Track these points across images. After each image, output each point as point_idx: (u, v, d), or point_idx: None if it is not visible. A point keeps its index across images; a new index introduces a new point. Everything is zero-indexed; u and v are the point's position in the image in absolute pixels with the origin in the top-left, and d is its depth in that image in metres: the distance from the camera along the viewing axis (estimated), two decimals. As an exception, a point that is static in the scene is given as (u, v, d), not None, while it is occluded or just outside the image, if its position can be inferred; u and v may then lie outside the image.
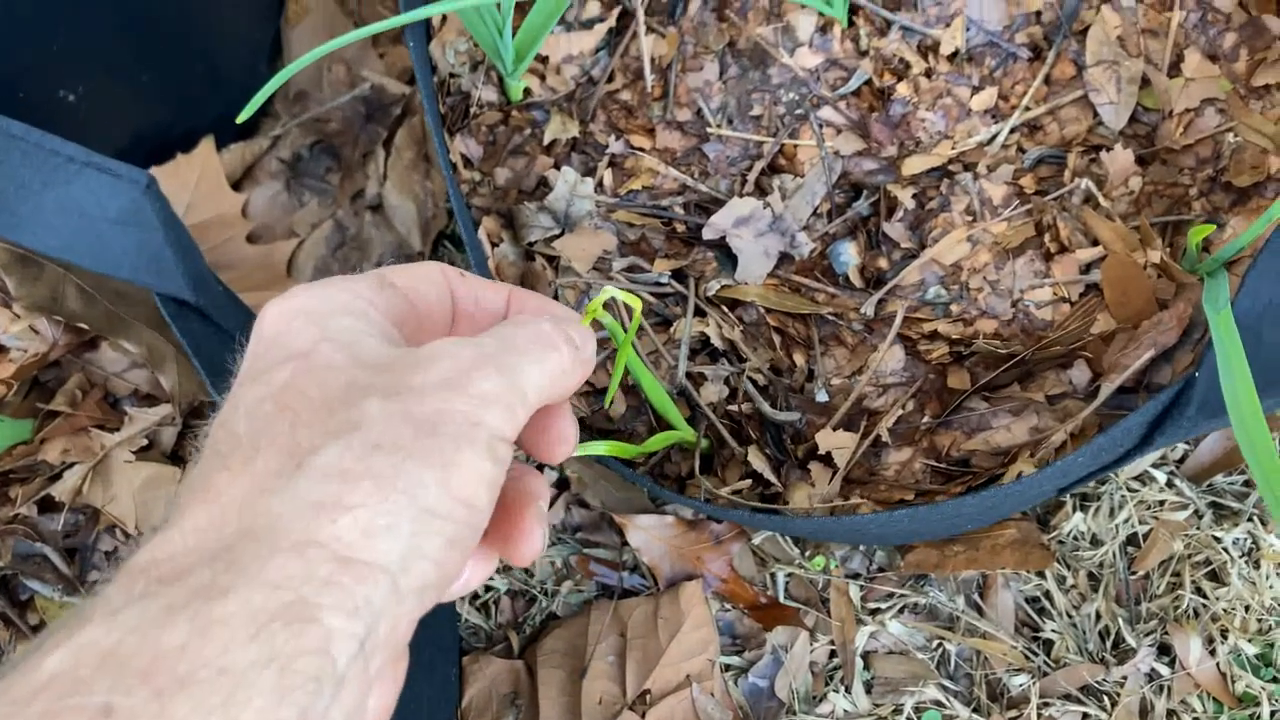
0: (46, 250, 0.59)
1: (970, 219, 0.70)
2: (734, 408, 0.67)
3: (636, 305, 0.48)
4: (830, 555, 0.89)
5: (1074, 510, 0.91)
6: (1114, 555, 0.92)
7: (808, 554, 0.89)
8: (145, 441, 0.65)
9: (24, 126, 0.60)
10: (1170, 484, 0.93)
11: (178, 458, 0.67)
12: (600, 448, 0.57)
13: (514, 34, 0.67)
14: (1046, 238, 0.68)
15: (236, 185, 1.05)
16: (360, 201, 1.05)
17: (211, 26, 1.03)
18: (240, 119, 0.57)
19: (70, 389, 0.66)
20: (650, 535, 0.89)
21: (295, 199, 1.07)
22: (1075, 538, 0.92)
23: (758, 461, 0.65)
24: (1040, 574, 0.86)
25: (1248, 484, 0.92)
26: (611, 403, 0.69)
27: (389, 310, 0.38)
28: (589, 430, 0.70)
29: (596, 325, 0.47)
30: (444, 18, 0.74)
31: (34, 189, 0.59)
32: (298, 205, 1.07)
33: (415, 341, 0.39)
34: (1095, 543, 0.92)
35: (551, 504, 0.99)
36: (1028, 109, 0.72)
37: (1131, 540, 0.93)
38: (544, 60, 0.74)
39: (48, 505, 0.64)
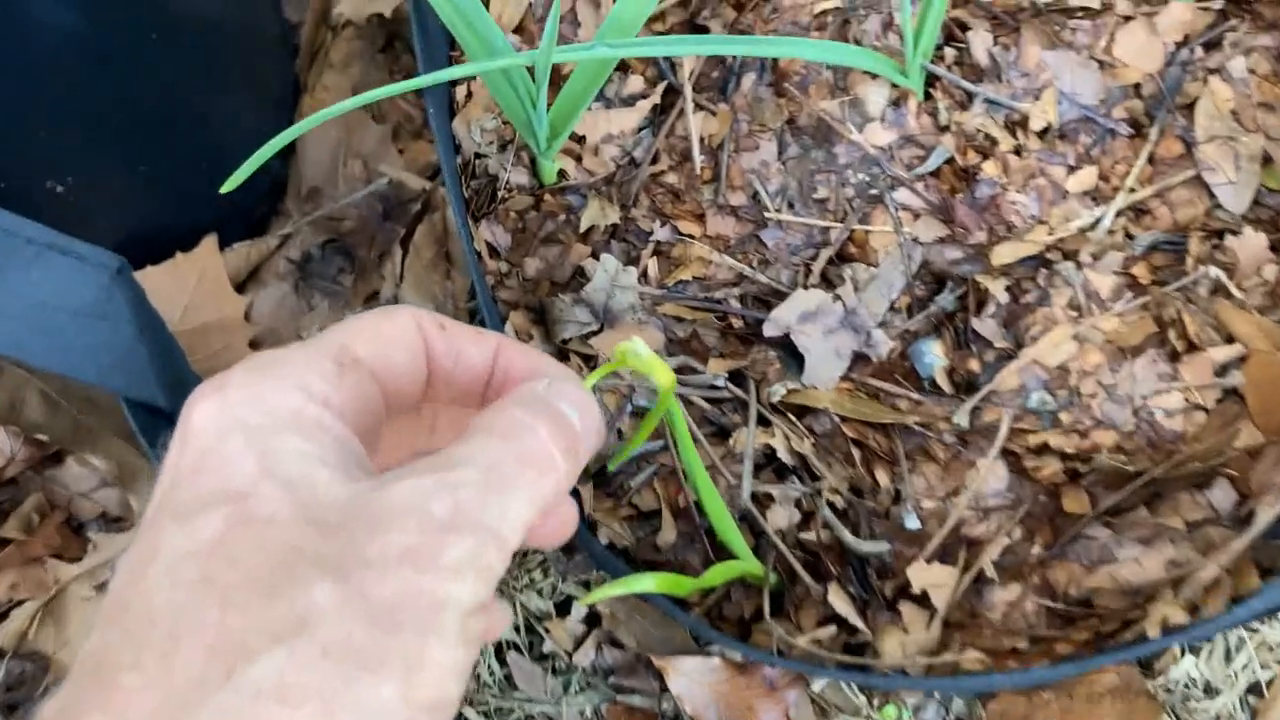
0: (-3, 347, 0.50)
1: (1075, 314, 0.60)
2: (808, 535, 0.57)
3: (667, 380, 0.38)
4: (902, 704, 0.76)
5: (1182, 653, 0.78)
6: (1234, 707, 0.78)
7: (876, 703, 0.76)
8: (110, 574, 0.55)
9: (-23, 203, 0.51)
10: (1297, 622, 0.81)
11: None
12: (647, 583, 0.47)
13: (549, 107, 0.59)
14: (1171, 334, 0.58)
15: (240, 287, 0.97)
16: (374, 304, 0.97)
17: (217, 118, 0.96)
18: (225, 189, 0.49)
19: (26, 512, 0.56)
20: (694, 680, 0.77)
21: (304, 301, 0.98)
22: (1186, 685, 0.79)
23: (840, 602, 0.54)
24: (1163, 734, 0.72)
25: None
26: (659, 530, 0.58)
27: (350, 406, 0.31)
28: (632, 561, 0.59)
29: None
30: (469, 92, 0.66)
31: (-17, 275, 0.50)
32: (306, 308, 0.98)
33: (374, 429, 0.33)
34: (1210, 691, 0.78)
35: (579, 643, 0.87)
36: (1133, 190, 0.63)
37: (1253, 689, 0.79)
38: (580, 140, 0.66)
39: (-11, 651, 0.54)
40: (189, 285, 0.93)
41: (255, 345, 0.95)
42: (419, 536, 0.28)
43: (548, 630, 0.86)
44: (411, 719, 0.26)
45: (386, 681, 0.26)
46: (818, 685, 0.75)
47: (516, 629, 0.87)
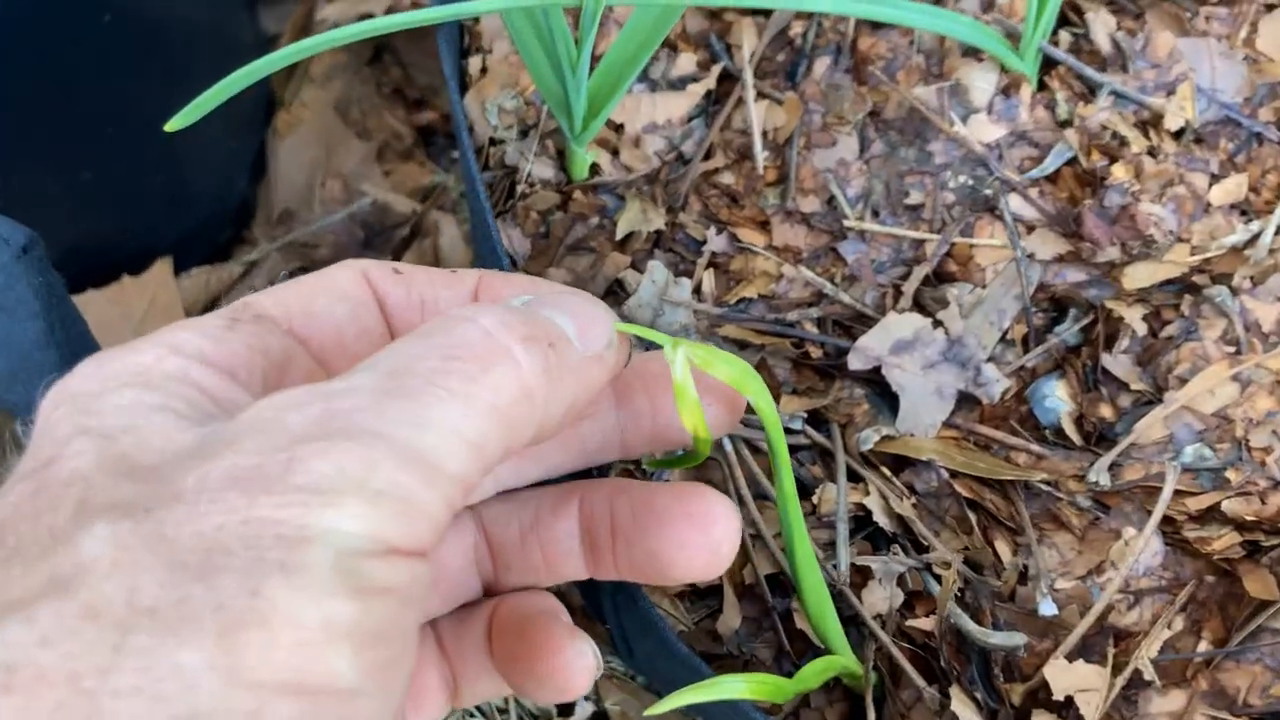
0: None
1: (1232, 350, 0.49)
2: (917, 623, 0.44)
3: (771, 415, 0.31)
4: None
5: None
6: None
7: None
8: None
9: None
10: None
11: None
12: (737, 686, 0.34)
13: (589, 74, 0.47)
14: (1367, 374, 0.46)
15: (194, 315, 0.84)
16: (351, 342, 0.83)
17: (180, 131, 0.83)
18: (171, 126, 0.36)
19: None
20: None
21: (268, 337, 0.85)
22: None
23: (965, 710, 0.41)
24: None
25: None
26: (720, 613, 0.45)
27: (240, 361, 0.26)
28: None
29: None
30: (484, 66, 0.54)
31: None
32: (271, 345, 0.84)
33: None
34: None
35: (583, 748, 0.74)
36: (1291, 203, 0.52)
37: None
38: (618, 129, 0.54)
39: None
40: (136, 313, 0.80)
41: (210, 386, 0.82)
42: (258, 454, 0.21)
43: (548, 731, 0.72)
44: (245, 701, 0.19)
45: (189, 645, 0.19)
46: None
47: (510, 728, 0.73)
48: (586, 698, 0.72)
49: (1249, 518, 0.45)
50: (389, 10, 0.89)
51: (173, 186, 0.85)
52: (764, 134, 0.54)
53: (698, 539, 0.30)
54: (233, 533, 0.20)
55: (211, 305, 0.85)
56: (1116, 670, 0.44)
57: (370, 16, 0.90)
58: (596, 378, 0.27)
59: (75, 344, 0.39)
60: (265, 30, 0.99)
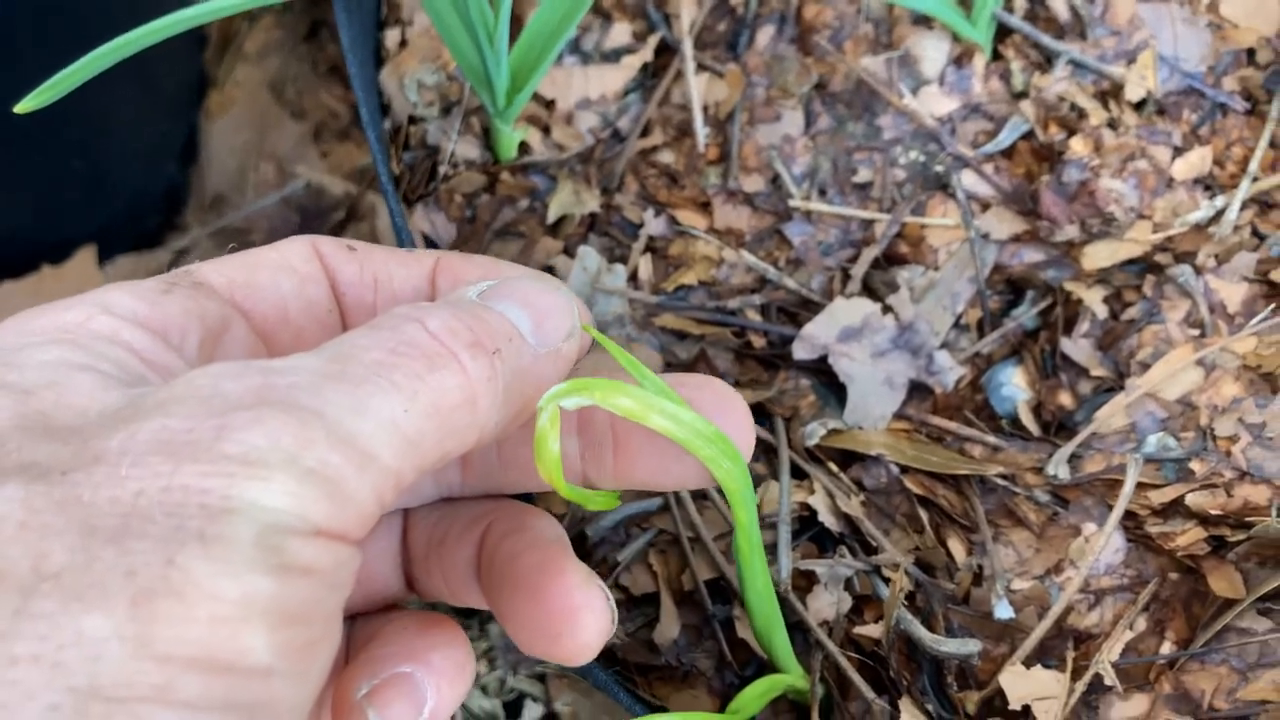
0: None
1: (1196, 333, 0.46)
2: (865, 630, 0.41)
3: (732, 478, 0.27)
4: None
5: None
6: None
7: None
8: None
9: None
10: None
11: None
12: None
13: (510, 46, 0.44)
14: (1336, 358, 0.44)
15: (121, 309, 0.80)
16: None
17: (101, 112, 0.79)
18: (20, 109, 0.33)
19: None
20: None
21: (199, 328, 0.81)
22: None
23: (916, 724, 0.38)
24: None
25: None
26: (658, 622, 0.42)
27: (174, 325, 0.25)
28: (618, 664, 0.43)
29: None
30: (403, 39, 0.50)
31: None
32: (202, 336, 0.80)
33: (230, 356, 0.27)
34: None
35: (534, 752, 0.72)
36: (1256, 179, 0.49)
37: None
38: (549, 105, 0.51)
39: None
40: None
41: (138, 380, 0.78)
42: (189, 419, 0.21)
43: (495, 736, 0.69)
44: (153, 674, 0.18)
45: (96, 611, 0.18)
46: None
47: (456, 733, 0.70)
48: (534, 698, 0.70)
49: (1214, 511, 0.42)
50: (321, -17, 0.85)
51: (94, 171, 0.81)
52: (704, 109, 0.51)
53: (566, 642, 0.27)
54: (153, 499, 0.20)
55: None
56: (1076, 675, 0.41)
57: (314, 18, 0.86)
58: (551, 374, 0.26)
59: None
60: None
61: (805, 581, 0.42)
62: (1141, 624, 0.42)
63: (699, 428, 0.27)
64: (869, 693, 0.40)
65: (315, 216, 0.82)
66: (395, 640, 0.28)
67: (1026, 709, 0.40)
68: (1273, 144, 0.50)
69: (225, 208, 0.85)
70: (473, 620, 0.70)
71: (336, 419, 0.21)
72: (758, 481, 0.44)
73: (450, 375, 0.23)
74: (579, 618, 0.27)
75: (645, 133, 0.51)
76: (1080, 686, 0.41)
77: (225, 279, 0.28)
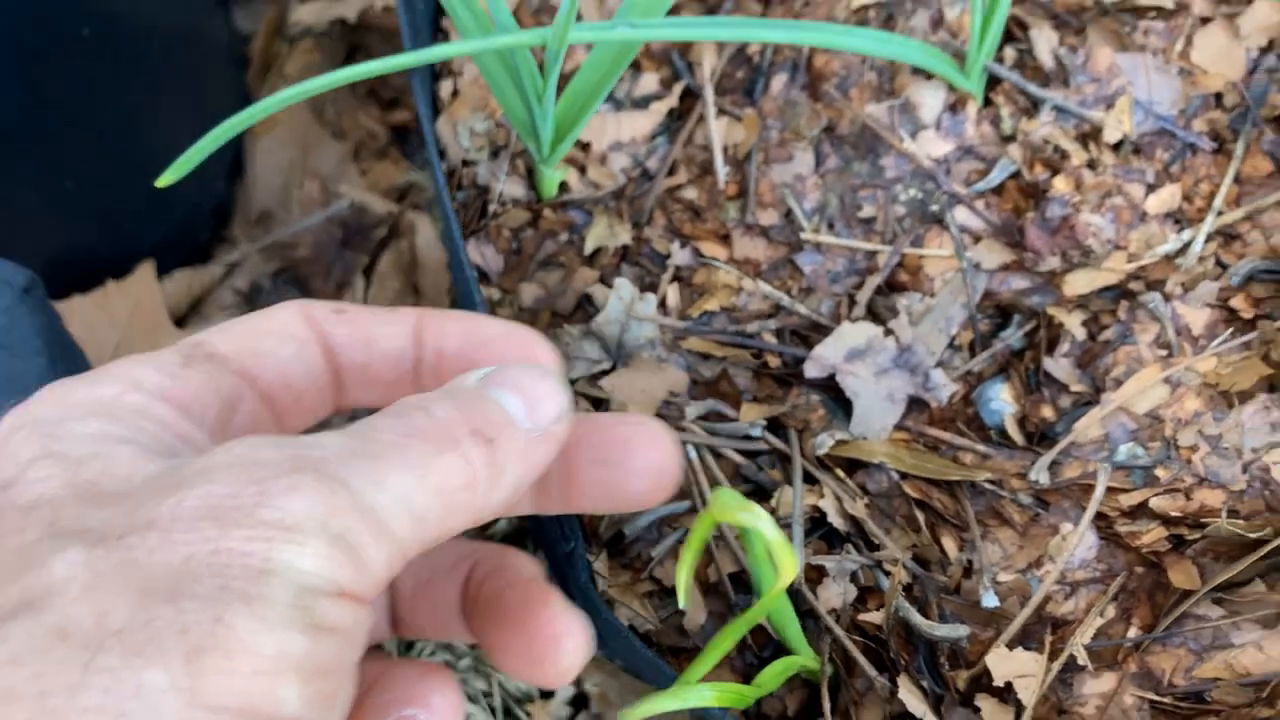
0: None
1: (1164, 353, 0.52)
2: (869, 617, 0.47)
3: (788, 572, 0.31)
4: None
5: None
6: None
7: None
8: None
9: None
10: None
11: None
12: (704, 695, 0.37)
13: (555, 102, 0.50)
14: (1285, 378, 0.50)
15: (181, 321, 0.86)
16: (331, 341, 0.86)
17: (155, 133, 0.85)
18: (162, 181, 0.39)
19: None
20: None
21: (251, 337, 0.87)
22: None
23: (913, 699, 0.44)
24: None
25: None
26: (685, 611, 0.48)
27: (197, 400, 0.28)
28: (653, 646, 0.49)
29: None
30: (455, 90, 0.56)
31: None
32: (254, 345, 0.86)
33: (247, 428, 0.29)
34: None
35: (566, 728, 0.77)
36: (1221, 213, 0.55)
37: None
38: (585, 148, 0.57)
39: None
40: (121, 318, 0.82)
41: (195, 386, 0.84)
42: (232, 486, 0.22)
43: (529, 715, 0.75)
44: None
45: (155, 666, 0.20)
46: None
47: (494, 711, 0.76)
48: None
49: (1174, 513, 0.48)
50: (361, 15, 0.90)
51: (152, 191, 0.87)
52: (724, 150, 0.57)
53: (549, 667, 0.30)
54: (202, 561, 0.22)
55: (194, 307, 0.88)
56: (1053, 656, 0.47)
57: (344, 20, 0.92)
58: (543, 455, 0.28)
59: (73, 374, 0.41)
60: (239, 29, 1.01)
61: (816, 574, 0.48)
62: (1111, 612, 0.48)
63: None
64: (871, 671, 0.46)
65: (357, 233, 0.88)
66: (399, 686, 0.30)
67: (1009, 686, 0.46)
68: (1237, 180, 0.56)
69: (272, 223, 0.91)
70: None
71: (360, 490, 0.23)
72: (774, 487, 0.50)
73: (453, 459, 0.25)
74: (562, 644, 0.29)
75: (671, 172, 0.57)
76: (1056, 666, 0.47)
77: (234, 348, 0.29)
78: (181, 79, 0.88)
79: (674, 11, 0.59)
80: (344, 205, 0.87)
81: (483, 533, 0.79)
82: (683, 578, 0.35)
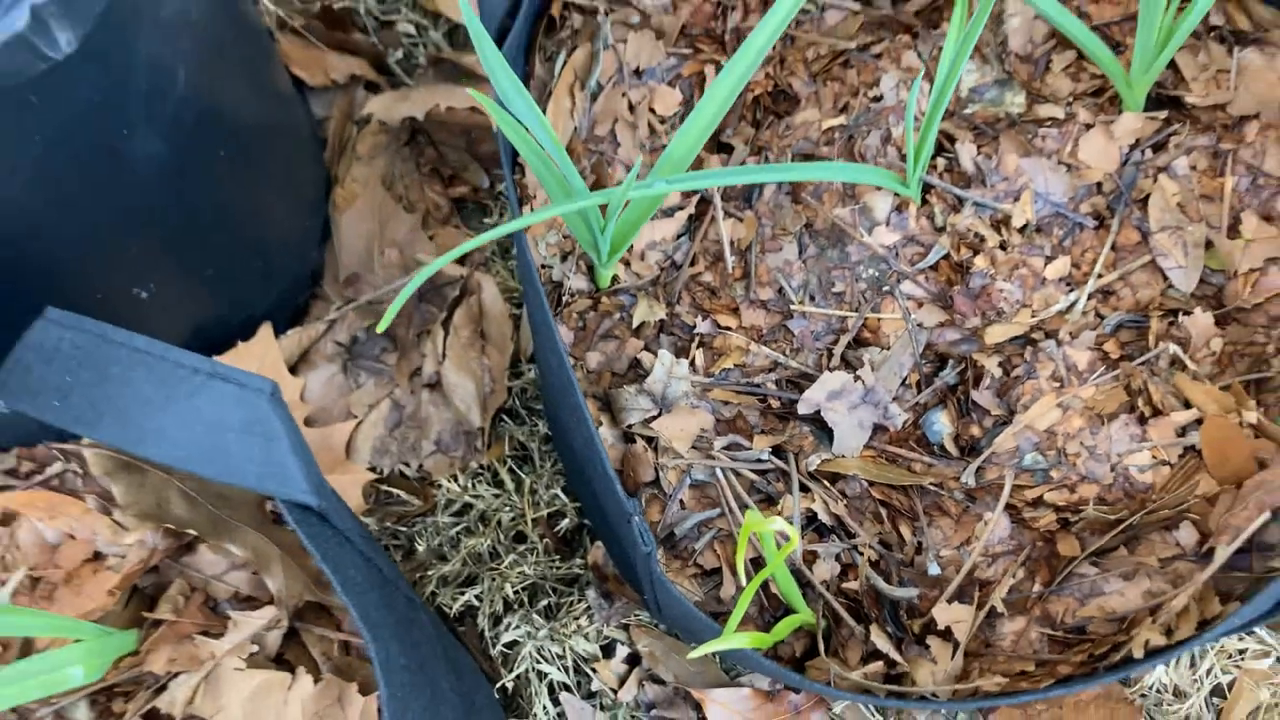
0: (170, 462, 0.59)
1: (1058, 385, 0.72)
2: (849, 585, 0.67)
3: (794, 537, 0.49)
4: (912, 719, 0.87)
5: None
6: (1200, 708, 0.90)
7: (890, 718, 0.87)
8: (255, 647, 0.64)
9: (148, 340, 0.60)
10: (1250, 631, 0.93)
11: (284, 661, 0.66)
12: (743, 639, 0.57)
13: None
14: (1139, 401, 0.69)
15: (293, 369, 1.06)
16: (417, 380, 1.06)
17: (266, 220, 1.05)
18: (381, 329, 0.58)
19: (173, 595, 0.65)
20: (729, 710, 0.87)
21: (352, 380, 1.08)
22: (1158, 691, 0.91)
23: (881, 641, 0.65)
24: (1149, 736, 0.84)
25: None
26: (721, 585, 0.68)
27: None
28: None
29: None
30: (531, 209, 0.76)
31: (158, 403, 0.59)
32: (354, 386, 1.07)
33: None
34: (1180, 695, 0.90)
35: (623, 681, 0.97)
36: (1100, 275, 0.74)
37: (1216, 691, 0.91)
38: (630, 248, 0.77)
39: (153, 719, 0.62)
40: (251, 371, 1.02)
41: (309, 423, 1.04)
42: None
43: (594, 671, 0.95)
44: None
45: None
46: (838, 706, 0.86)
47: (567, 670, 0.96)
48: (622, 643, 0.95)
49: (1062, 503, 0.68)
50: (429, 114, 1.10)
51: (264, 264, 1.07)
52: (731, 243, 0.77)
53: None
54: None
55: (303, 356, 1.07)
56: (980, 607, 0.67)
57: (411, 117, 1.11)
58: None
59: (303, 453, 0.61)
60: (316, 115, 1.20)
61: (810, 557, 0.69)
62: (1020, 574, 0.68)
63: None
64: (852, 623, 0.66)
65: (433, 291, 1.08)
66: None
67: (949, 629, 0.66)
68: (1113, 248, 0.76)
69: (360, 284, 1.11)
70: (573, 587, 0.97)
71: None
72: (779, 496, 0.70)
73: None
74: None
75: (693, 262, 0.77)
76: (982, 614, 0.67)
77: None
78: (280, 165, 1.08)
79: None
80: (424, 271, 1.07)
81: (551, 528, 1.00)
82: (739, 565, 0.55)
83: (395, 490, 1.03)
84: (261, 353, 1.03)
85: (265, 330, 1.03)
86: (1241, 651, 0.90)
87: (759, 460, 0.71)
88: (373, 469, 1.01)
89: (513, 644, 0.96)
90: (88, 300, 0.86)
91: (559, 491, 0.99)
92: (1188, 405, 0.69)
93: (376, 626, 0.59)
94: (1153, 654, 0.61)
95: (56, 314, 0.62)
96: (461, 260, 1.08)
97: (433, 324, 1.07)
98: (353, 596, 0.58)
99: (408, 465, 1.04)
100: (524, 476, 1.01)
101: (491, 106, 0.59)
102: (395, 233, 1.12)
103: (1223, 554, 0.63)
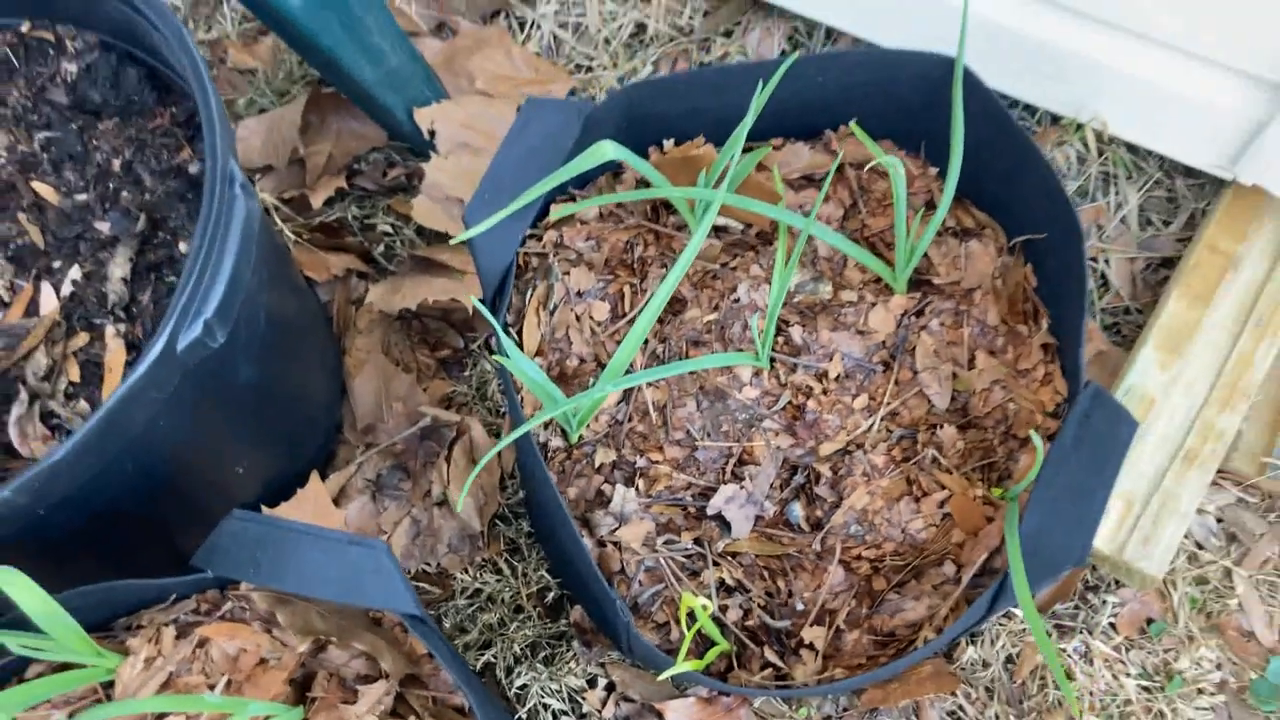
0: (329, 598, 0.97)
1: (866, 479, 1.14)
2: (749, 623, 1.08)
3: (702, 613, 0.89)
4: (810, 705, 1.29)
5: (968, 644, 1.34)
6: (999, 671, 1.34)
7: (795, 707, 1.29)
8: (381, 707, 1.01)
9: (305, 524, 0.98)
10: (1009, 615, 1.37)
11: (397, 714, 1.03)
12: (687, 665, 0.97)
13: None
14: (914, 488, 1.12)
15: (336, 502, 1.43)
16: (429, 500, 1.44)
17: (310, 390, 1.42)
18: (459, 507, 0.97)
19: (321, 680, 1.02)
20: (682, 714, 1.28)
21: (379, 505, 1.45)
22: (971, 664, 1.34)
23: (771, 655, 1.05)
24: (952, 694, 1.28)
25: (1076, 608, 1.37)
26: (670, 632, 1.08)
27: None
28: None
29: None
30: (519, 387, 1.15)
31: (322, 562, 0.97)
32: (382, 510, 1.45)
33: None
34: (985, 665, 1.34)
35: (604, 704, 1.36)
36: (888, 404, 1.17)
37: (1009, 659, 1.35)
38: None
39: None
40: (308, 510, 1.39)
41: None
42: None
43: (584, 698, 1.34)
44: None
45: None
46: (758, 702, 1.27)
47: (564, 700, 1.35)
48: (602, 675, 1.35)
49: (874, 556, 1.10)
50: (421, 305, 1.48)
51: (307, 425, 1.44)
52: (653, 404, 1.17)
53: None
54: None
55: (342, 491, 1.45)
56: (830, 627, 1.08)
57: (406, 310, 1.50)
58: None
59: (407, 583, 0.99)
60: (321, 299, 1.58)
61: (724, 607, 1.09)
62: (852, 603, 1.10)
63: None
64: (753, 646, 1.07)
65: (433, 432, 1.46)
66: None
67: (812, 643, 1.07)
68: (896, 383, 1.18)
69: (376, 431, 1.49)
70: (562, 640, 1.36)
71: None
72: (700, 570, 1.10)
73: None
74: None
75: (630, 420, 1.17)
76: (831, 631, 1.08)
77: None
78: (312, 347, 1.45)
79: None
80: (427, 420, 1.45)
81: (541, 600, 1.39)
82: (682, 619, 0.94)
83: (421, 584, 1.40)
84: (314, 495, 1.40)
85: (314, 479, 1.40)
86: (1023, 630, 1.34)
87: (686, 549, 1.11)
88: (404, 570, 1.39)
89: (523, 686, 1.35)
90: (212, 481, 1.23)
91: (544, 572, 1.38)
92: (943, 487, 1.12)
93: (466, 683, 0.97)
94: (929, 643, 1.03)
95: (240, 513, 1.00)
96: (447, 403, 1.47)
97: (436, 457, 1.45)
98: (450, 667, 0.96)
99: (429, 564, 1.41)
100: (517, 564, 1.40)
101: (507, 362, 0.99)
102: (398, 389, 1.50)
103: (966, 578, 1.05)
